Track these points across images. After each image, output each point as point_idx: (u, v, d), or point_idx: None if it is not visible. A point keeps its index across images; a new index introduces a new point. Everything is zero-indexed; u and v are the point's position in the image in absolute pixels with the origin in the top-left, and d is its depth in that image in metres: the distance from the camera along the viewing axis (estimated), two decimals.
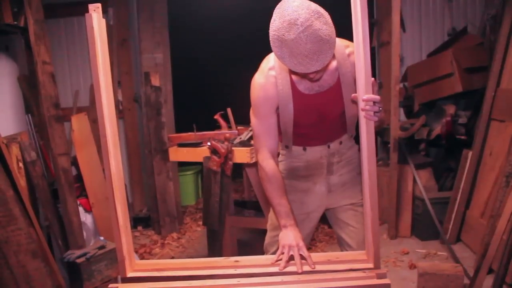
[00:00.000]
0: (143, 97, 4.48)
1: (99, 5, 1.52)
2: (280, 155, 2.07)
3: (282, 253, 1.69)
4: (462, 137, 3.99)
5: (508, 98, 3.34)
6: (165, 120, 4.37)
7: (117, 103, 4.85)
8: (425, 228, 3.85)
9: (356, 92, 1.61)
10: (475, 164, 3.60)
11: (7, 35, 3.71)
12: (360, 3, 1.43)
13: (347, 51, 1.81)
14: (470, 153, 3.64)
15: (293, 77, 1.81)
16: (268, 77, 1.81)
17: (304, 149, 1.99)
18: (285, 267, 1.63)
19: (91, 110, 4.55)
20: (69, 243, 3.25)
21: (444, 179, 4.26)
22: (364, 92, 1.48)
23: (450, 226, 3.70)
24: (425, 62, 4.54)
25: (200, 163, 3.57)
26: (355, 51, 1.52)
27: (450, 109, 4.06)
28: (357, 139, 1.97)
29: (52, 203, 3.28)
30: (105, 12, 4.66)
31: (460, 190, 3.67)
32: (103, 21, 1.56)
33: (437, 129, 4.07)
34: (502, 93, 3.42)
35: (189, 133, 3.58)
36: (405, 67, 4.75)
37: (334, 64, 1.81)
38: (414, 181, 3.97)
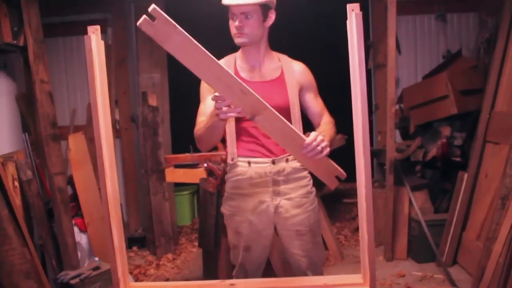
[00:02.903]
0: (140, 116, 4.49)
1: (98, 27, 1.54)
2: (227, 174, 2.15)
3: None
4: (458, 159, 4.00)
5: (503, 121, 3.36)
6: (162, 140, 4.37)
7: (114, 122, 4.86)
8: (421, 250, 3.84)
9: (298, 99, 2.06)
10: (470, 186, 3.60)
11: (6, 54, 3.74)
12: (356, 28, 1.45)
13: (293, 63, 2.11)
14: (466, 175, 3.65)
15: (238, 66, 2.06)
16: None
17: (249, 164, 2.04)
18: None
19: (88, 129, 4.55)
20: (63, 263, 3.22)
21: (440, 201, 4.26)
22: (361, 117, 1.49)
23: (446, 249, 3.69)
24: (421, 84, 4.58)
25: (196, 183, 3.57)
26: (351, 75, 1.54)
27: (446, 131, 4.08)
28: None
29: (47, 223, 3.26)
30: (103, 32, 4.71)
31: (456, 212, 3.66)
32: (102, 43, 1.57)
33: (433, 151, 4.08)
34: (497, 116, 3.45)
35: (186, 154, 3.58)
36: (400, 89, 4.78)
37: (278, 62, 2.10)
38: (410, 203, 3.97)
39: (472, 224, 3.54)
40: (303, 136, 1.76)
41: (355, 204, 4.34)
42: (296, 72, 2.09)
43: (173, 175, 3.57)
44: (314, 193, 2.14)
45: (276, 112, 1.64)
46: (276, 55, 2.13)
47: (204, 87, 2.09)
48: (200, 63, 1.52)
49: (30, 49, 3.16)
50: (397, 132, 4.79)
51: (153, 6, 1.41)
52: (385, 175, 3.96)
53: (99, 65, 1.54)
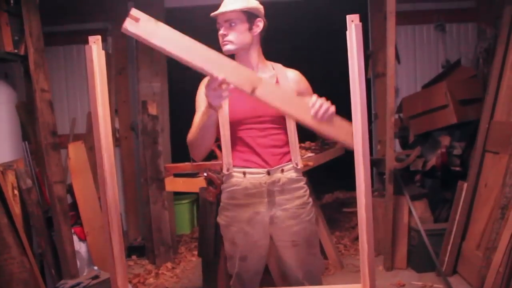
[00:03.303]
0: (140, 125, 4.50)
1: (99, 37, 1.54)
2: (222, 185, 2.15)
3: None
4: (457, 169, 4.00)
5: (502, 130, 3.37)
6: (161, 149, 4.37)
7: (114, 131, 4.86)
8: (421, 259, 3.82)
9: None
10: (470, 196, 3.60)
11: (7, 63, 3.75)
12: (355, 39, 1.45)
13: (287, 71, 2.12)
14: (465, 185, 3.65)
15: None
16: None
17: (244, 175, 2.03)
18: None
19: (88, 137, 4.56)
20: (62, 272, 3.22)
21: (440, 211, 4.26)
22: (361, 126, 1.49)
23: (446, 258, 3.68)
24: (420, 93, 4.60)
25: (195, 192, 3.57)
26: (351, 84, 1.55)
27: (445, 141, 4.09)
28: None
29: (46, 231, 3.26)
30: (104, 41, 4.72)
31: (456, 222, 3.66)
32: (103, 53, 1.58)
33: (432, 160, 4.09)
34: (496, 125, 3.46)
35: (186, 163, 3.58)
36: (400, 98, 4.80)
37: (273, 71, 2.11)
38: (410, 212, 3.96)
39: (472, 234, 3.54)
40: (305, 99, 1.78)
41: (354, 213, 4.34)
42: (291, 80, 2.10)
43: (173, 184, 3.57)
44: (311, 204, 2.13)
45: (271, 82, 1.67)
46: (270, 64, 2.14)
47: (199, 98, 2.10)
48: (189, 50, 1.56)
49: (30, 58, 3.18)
50: (397, 142, 4.80)
51: (132, 9, 1.48)
52: (384, 185, 3.96)
53: (99, 75, 1.55)
